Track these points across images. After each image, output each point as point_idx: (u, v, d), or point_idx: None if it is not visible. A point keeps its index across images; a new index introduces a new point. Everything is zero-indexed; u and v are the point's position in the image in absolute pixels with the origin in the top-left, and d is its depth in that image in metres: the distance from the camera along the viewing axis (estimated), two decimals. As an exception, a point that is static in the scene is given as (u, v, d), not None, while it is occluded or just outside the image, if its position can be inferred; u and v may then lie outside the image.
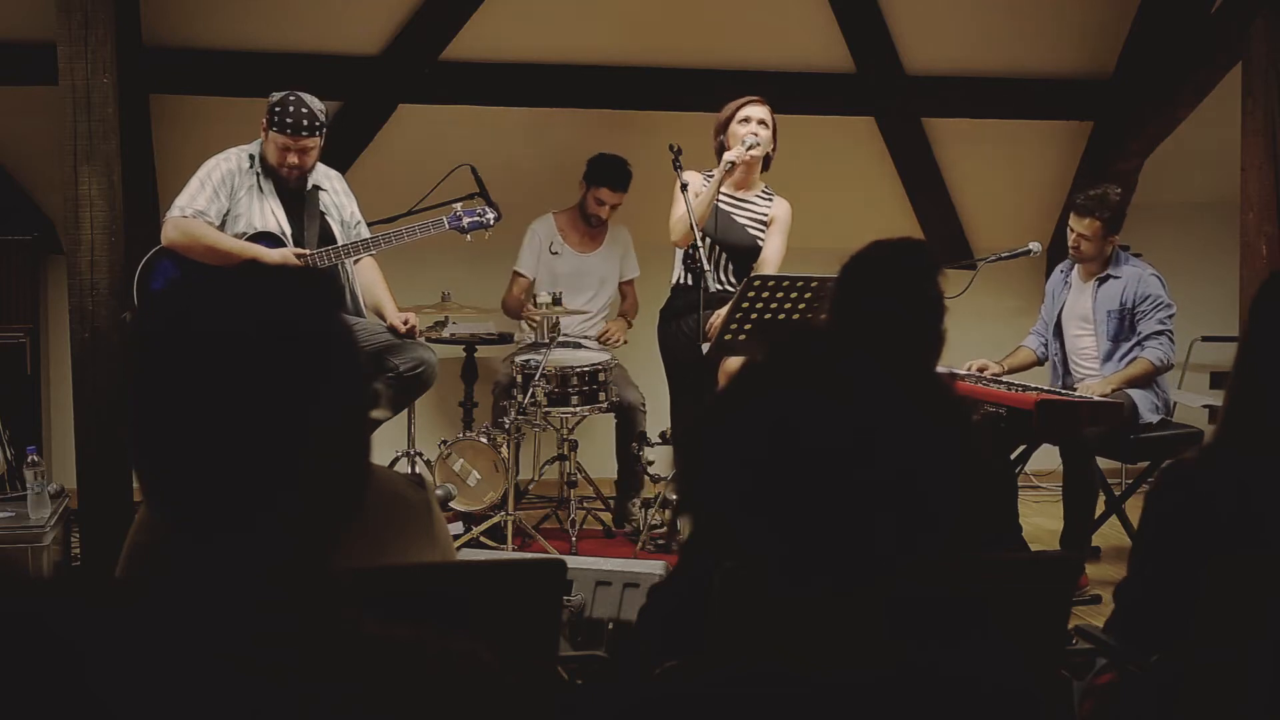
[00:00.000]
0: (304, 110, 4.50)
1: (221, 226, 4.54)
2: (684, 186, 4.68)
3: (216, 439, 1.06)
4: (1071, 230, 5.05)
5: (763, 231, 5.00)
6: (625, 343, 5.68)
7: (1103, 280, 5.09)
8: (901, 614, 1.11)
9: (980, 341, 6.04)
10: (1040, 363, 5.39)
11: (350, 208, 4.82)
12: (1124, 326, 5.06)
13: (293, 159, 4.54)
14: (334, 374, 1.11)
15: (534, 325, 5.48)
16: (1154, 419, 4.99)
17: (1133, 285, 5.03)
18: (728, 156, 4.78)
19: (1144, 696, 2.22)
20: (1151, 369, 4.98)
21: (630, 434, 5.35)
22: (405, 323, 4.76)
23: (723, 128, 4.93)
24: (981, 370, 5.15)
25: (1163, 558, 2.22)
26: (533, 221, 5.65)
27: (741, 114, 4.89)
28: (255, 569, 1.08)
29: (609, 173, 5.47)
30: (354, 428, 1.14)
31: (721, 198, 4.89)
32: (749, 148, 4.78)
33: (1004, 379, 5.13)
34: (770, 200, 5.05)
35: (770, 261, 4.96)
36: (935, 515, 1.10)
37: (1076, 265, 5.20)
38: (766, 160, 4.98)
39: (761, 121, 4.88)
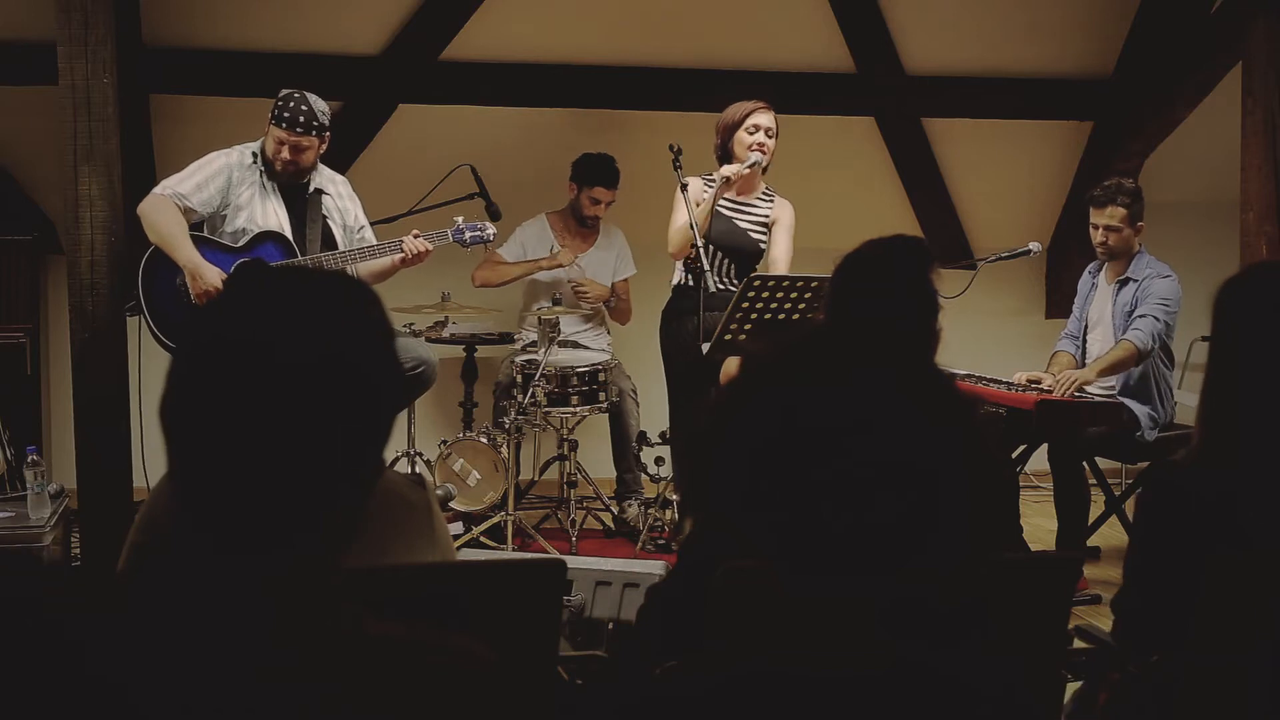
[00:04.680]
0: (304, 108, 4.47)
1: (220, 220, 4.53)
2: (684, 186, 4.65)
3: (258, 460, 1.06)
4: (1095, 226, 4.90)
5: (764, 234, 4.95)
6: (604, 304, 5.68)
7: (1123, 283, 4.97)
8: (901, 614, 1.11)
9: (980, 341, 6.04)
10: (1079, 366, 5.24)
11: (355, 212, 4.78)
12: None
13: (286, 154, 4.47)
14: (378, 402, 1.11)
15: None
16: (1152, 436, 4.90)
17: (1144, 285, 4.91)
18: (726, 171, 4.71)
19: (1144, 697, 2.22)
20: (1134, 352, 4.80)
21: (621, 419, 5.37)
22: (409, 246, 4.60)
23: (728, 130, 4.82)
24: (1035, 382, 4.89)
25: (1156, 563, 2.21)
26: (525, 221, 5.67)
27: (751, 121, 4.79)
28: (259, 572, 1.07)
29: (601, 172, 5.52)
30: (379, 449, 1.14)
31: (723, 202, 4.83)
32: (750, 165, 4.71)
33: (1004, 379, 5.10)
34: (771, 201, 5.00)
35: (780, 262, 4.90)
36: (940, 512, 1.10)
37: (1104, 268, 5.08)
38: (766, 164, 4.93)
39: (769, 131, 4.80)
